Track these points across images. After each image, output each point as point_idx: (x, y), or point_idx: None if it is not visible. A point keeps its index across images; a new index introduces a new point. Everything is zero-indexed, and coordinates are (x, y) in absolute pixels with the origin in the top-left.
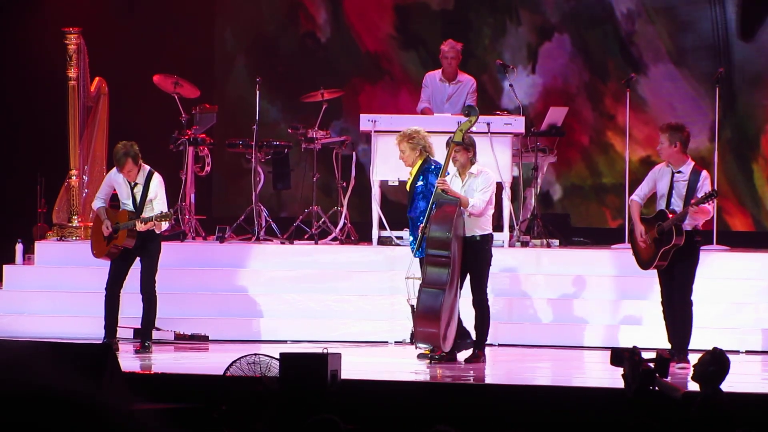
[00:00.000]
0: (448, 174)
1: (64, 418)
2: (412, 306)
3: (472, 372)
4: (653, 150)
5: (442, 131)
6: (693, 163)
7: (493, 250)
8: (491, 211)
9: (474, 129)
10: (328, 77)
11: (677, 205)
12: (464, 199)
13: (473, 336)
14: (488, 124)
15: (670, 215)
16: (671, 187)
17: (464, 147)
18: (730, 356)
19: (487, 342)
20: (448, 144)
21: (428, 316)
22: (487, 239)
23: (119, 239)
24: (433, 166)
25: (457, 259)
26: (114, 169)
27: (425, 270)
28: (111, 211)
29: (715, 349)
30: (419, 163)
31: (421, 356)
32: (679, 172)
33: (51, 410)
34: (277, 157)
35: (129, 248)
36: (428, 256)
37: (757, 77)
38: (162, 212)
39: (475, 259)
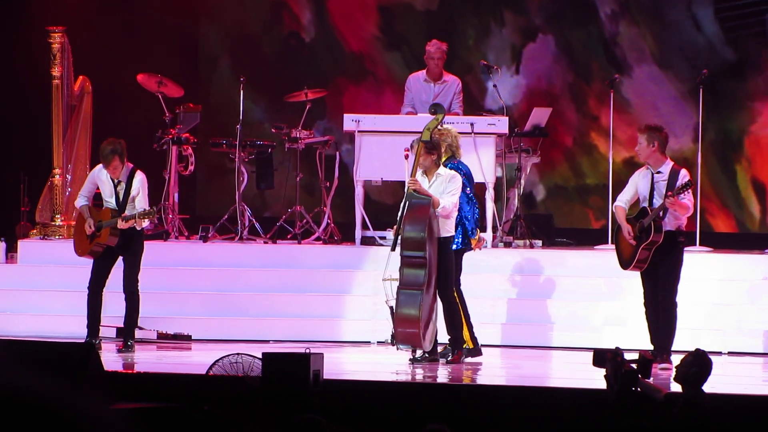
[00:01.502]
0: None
1: (41, 418)
2: (390, 307)
3: (452, 372)
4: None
5: None
6: (672, 163)
7: (476, 251)
8: (456, 213)
9: (458, 129)
10: (311, 77)
11: (659, 204)
12: (435, 200)
13: (452, 336)
14: (472, 124)
15: (651, 211)
16: (652, 188)
17: (427, 150)
18: (713, 357)
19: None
20: (414, 144)
21: (408, 318)
22: (450, 240)
23: (102, 237)
24: (453, 165)
25: (434, 259)
26: (97, 167)
27: (402, 272)
28: (94, 210)
29: (697, 350)
30: (442, 161)
31: (413, 360)
32: (658, 172)
33: (26, 410)
34: (261, 157)
35: (112, 246)
36: (404, 258)
37: (740, 79)
38: (144, 209)
39: (440, 260)
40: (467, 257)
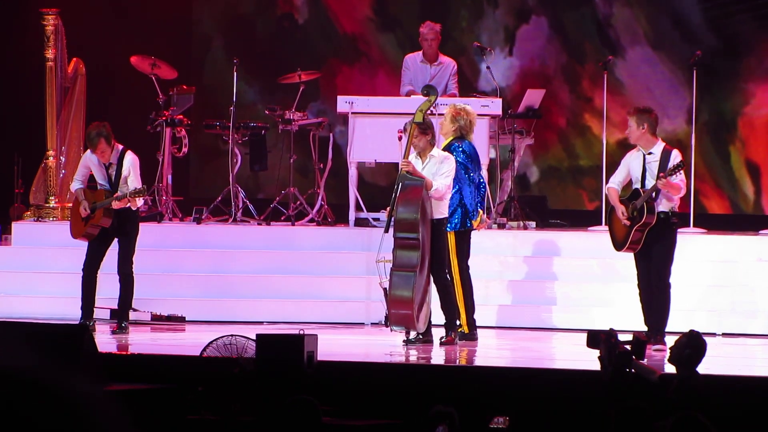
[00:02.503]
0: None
1: (33, 399)
2: (384, 289)
3: (446, 354)
4: None
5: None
6: (663, 144)
7: (471, 233)
8: (450, 194)
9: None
10: (305, 59)
11: (651, 186)
12: (428, 182)
13: (443, 318)
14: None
15: (643, 193)
16: (644, 170)
17: (421, 131)
18: (707, 339)
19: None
20: (407, 126)
21: (401, 299)
22: (443, 222)
23: (96, 218)
24: (456, 146)
25: (427, 240)
26: (89, 151)
27: (395, 253)
28: (89, 192)
29: (691, 331)
30: (449, 139)
31: (407, 341)
32: (650, 153)
33: (20, 391)
34: (254, 139)
35: (106, 228)
36: (397, 239)
37: (734, 60)
38: (136, 188)
39: (433, 241)
40: None
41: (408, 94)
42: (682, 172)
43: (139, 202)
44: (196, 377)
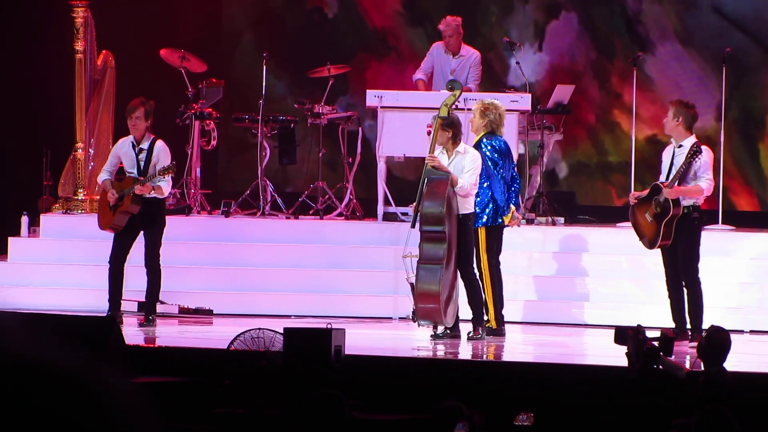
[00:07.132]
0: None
1: (62, 391)
2: (411, 284)
3: (473, 349)
4: (659, 129)
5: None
6: (696, 141)
7: (502, 229)
8: (475, 191)
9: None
10: (334, 53)
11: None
12: (454, 178)
13: (471, 314)
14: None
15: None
16: (671, 163)
17: (442, 126)
18: (735, 336)
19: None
20: (434, 120)
21: (428, 292)
22: (470, 217)
23: (125, 204)
24: (486, 142)
25: (453, 235)
26: (120, 141)
27: (421, 247)
28: (116, 183)
29: (711, 326)
30: (480, 135)
31: (434, 336)
32: (680, 146)
33: (47, 383)
34: (283, 132)
35: (135, 214)
36: (423, 233)
37: (763, 57)
38: (164, 166)
39: (459, 237)
40: None
41: (416, 83)
42: (702, 160)
43: (166, 188)
44: (223, 370)
